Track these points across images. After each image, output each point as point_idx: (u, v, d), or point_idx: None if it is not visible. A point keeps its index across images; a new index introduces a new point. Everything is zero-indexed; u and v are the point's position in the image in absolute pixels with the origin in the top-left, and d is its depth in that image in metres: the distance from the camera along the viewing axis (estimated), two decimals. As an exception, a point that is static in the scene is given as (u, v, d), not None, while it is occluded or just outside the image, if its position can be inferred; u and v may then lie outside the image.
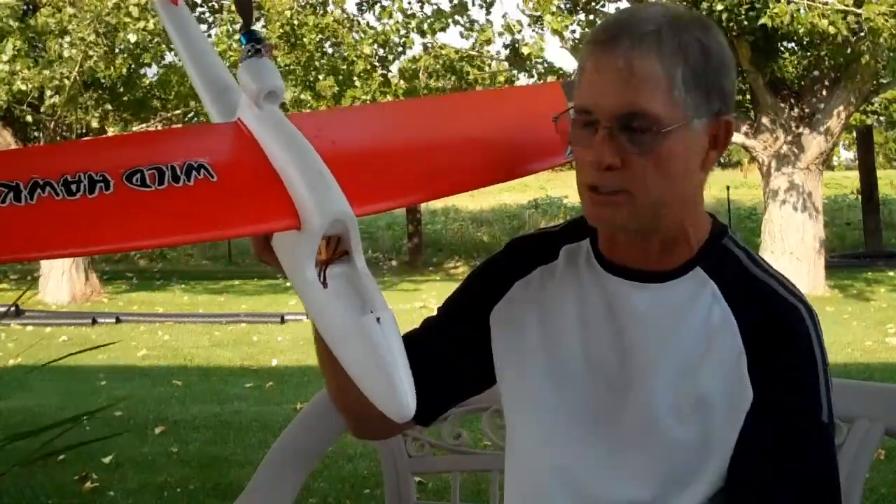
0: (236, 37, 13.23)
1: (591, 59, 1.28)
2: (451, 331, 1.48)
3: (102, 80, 12.64)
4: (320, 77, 13.36)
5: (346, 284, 1.22)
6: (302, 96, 13.29)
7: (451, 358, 1.47)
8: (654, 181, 1.27)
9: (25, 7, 12.60)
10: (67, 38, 11.86)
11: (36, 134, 14.09)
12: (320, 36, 13.15)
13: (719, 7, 11.01)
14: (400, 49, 13.68)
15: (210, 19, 13.95)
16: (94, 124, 13.01)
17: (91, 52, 11.86)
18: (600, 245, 1.40)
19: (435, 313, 1.53)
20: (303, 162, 1.26)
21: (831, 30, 10.24)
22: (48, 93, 12.19)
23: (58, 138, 14.07)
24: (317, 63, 13.40)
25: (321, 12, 13.07)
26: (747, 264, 1.36)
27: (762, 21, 10.59)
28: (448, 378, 1.48)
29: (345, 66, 13.62)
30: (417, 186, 1.42)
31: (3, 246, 1.15)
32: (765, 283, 1.34)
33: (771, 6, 10.51)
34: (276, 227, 1.25)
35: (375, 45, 13.50)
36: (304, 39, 12.95)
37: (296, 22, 12.78)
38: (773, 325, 1.31)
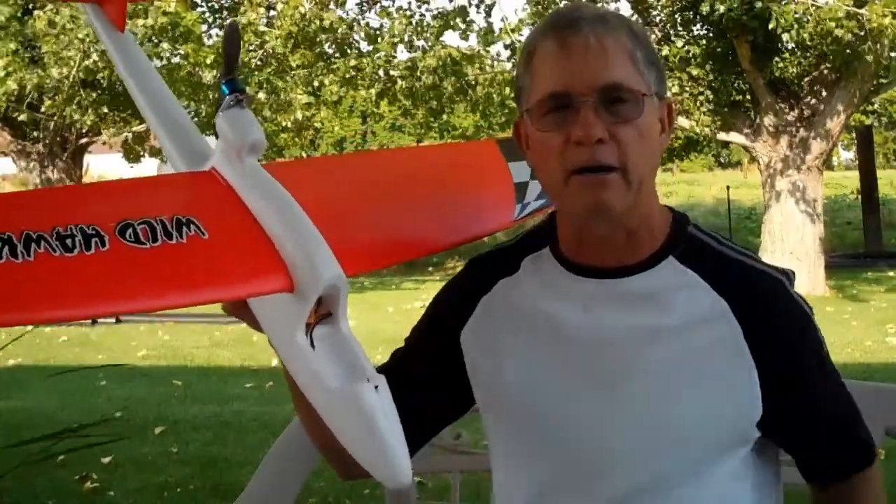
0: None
1: (553, 43, 1.30)
2: (422, 361, 1.45)
3: (101, 80, 12.62)
4: (325, 82, 13.24)
5: (333, 347, 1.19)
6: (305, 99, 13.17)
7: (428, 390, 1.44)
8: (639, 154, 1.29)
9: (24, 7, 12.59)
10: (65, 39, 11.84)
11: (35, 133, 14.09)
12: (325, 35, 13.02)
13: (721, 8, 11.01)
14: (404, 50, 13.63)
15: (210, 19, 13.93)
16: (89, 122, 13.00)
17: (89, 52, 11.85)
18: (564, 250, 1.38)
19: (403, 344, 1.50)
20: (293, 222, 1.22)
21: (838, 32, 10.22)
22: (47, 94, 12.19)
23: (58, 138, 14.08)
24: (322, 66, 13.29)
25: (325, 10, 12.92)
26: (720, 249, 1.38)
27: (772, 25, 10.57)
28: (426, 412, 1.44)
29: (345, 67, 13.55)
30: (372, 253, 1.38)
31: (7, 306, 1.07)
32: (742, 263, 1.37)
33: (776, 9, 10.49)
34: (270, 290, 1.20)
35: (382, 54, 13.40)
36: (317, 39, 12.82)
37: (307, 20, 12.60)
38: (765, 300, 1.34)
